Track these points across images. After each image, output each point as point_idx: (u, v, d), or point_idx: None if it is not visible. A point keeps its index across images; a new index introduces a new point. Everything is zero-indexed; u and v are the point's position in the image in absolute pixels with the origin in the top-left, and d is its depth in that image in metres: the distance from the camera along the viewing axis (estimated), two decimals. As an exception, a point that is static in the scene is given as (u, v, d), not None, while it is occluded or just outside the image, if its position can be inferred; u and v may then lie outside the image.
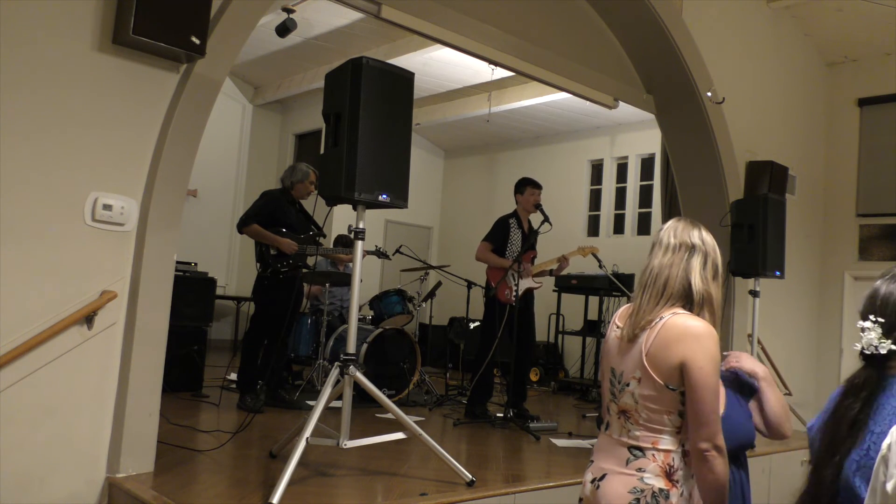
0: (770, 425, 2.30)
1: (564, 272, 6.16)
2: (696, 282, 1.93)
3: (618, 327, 2.01)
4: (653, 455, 1.88)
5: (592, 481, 1.96)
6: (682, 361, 1.83)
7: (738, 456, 2.40)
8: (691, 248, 1.96)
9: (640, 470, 1.88)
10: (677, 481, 1.87)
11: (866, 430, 1.59)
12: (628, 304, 2.04)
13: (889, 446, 1.35)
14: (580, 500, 2.04)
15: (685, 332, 1.86)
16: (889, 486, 1.31)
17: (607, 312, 7.84)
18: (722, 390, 2.46)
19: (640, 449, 1.90)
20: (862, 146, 7.44)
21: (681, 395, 1.86)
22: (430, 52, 7.32)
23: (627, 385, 1.92)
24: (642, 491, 1.85)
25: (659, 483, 1.86)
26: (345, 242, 6.96)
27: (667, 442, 1.89)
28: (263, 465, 3.52)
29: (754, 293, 5.54)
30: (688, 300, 1.93)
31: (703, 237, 1.99)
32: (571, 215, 9.55)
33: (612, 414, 1.98)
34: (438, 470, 3.43)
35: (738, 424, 2.39)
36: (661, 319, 1.89)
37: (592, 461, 2.03)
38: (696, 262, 1.95)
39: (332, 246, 6.68)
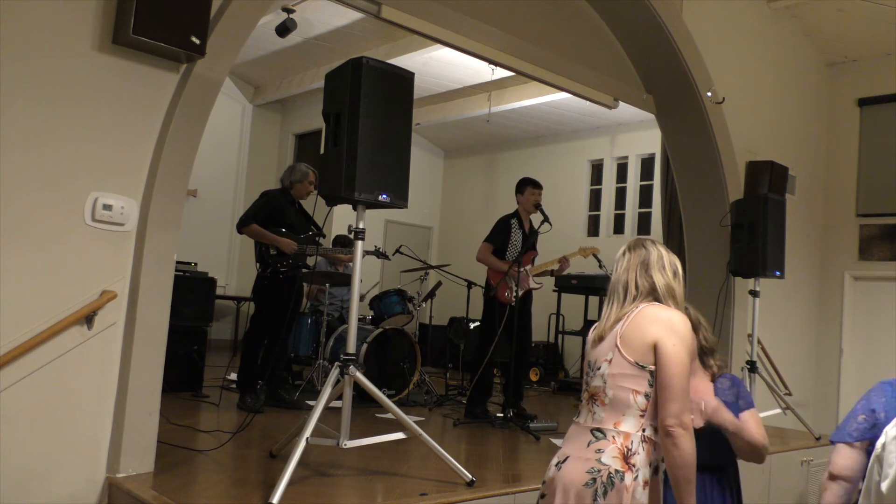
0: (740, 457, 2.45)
1: (565, 272, 6.17)
2: (658, 278, 2.08)
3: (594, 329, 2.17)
4: (613, 437, 1.96)
5: (557, 464, 2.06)
6: (654, 340, 1.96)
7: (723, 469, 2.41)
8: (645, 254, 2.13)
9: (598, 451, 1.96)
10: (634, 465, 1.93)
11: None
12: None
13: (883, 446, 1.35)
14: (543, 482, 2.13)
15: (661, 316, 2.00)
16: (884, 486, 1.32)
17: (607, 312, 7.82)
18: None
19: (602, 431, 1.98)
20: (862, 146, 7.44)
21: (650, 374, 1.96)
22: (430, 52, 7.32)
23: (598, 368, 2.04)
24: (599, 471, 1.93)
25: (616, 465, 1.93)
26: (343, 243, 6.96)
27: (629, 424, 1.96)
28: (263, 465, 3.52)
29: (754, 293, 5.54)
30: (654, 296, 2.07)
31: (655, 244, 2.16)
32: (571, 215, 9.55)
33: (583, 401, 2.11)
34: (438, 470, 3.43)
35: (722, 437, 2.39)
36: (636, 309, 2.04)
37: (560, 447, 2.13)
38: (653, 261, 2.11)
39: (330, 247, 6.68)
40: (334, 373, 3.25)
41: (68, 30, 2.97)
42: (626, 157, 9.38)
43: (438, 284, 7.21)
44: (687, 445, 1.90)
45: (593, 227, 9.63)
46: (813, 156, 7.41)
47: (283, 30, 4.61)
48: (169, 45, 3.06)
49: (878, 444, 1.39)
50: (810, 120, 7.40)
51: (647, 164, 9.17)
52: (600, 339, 2.07)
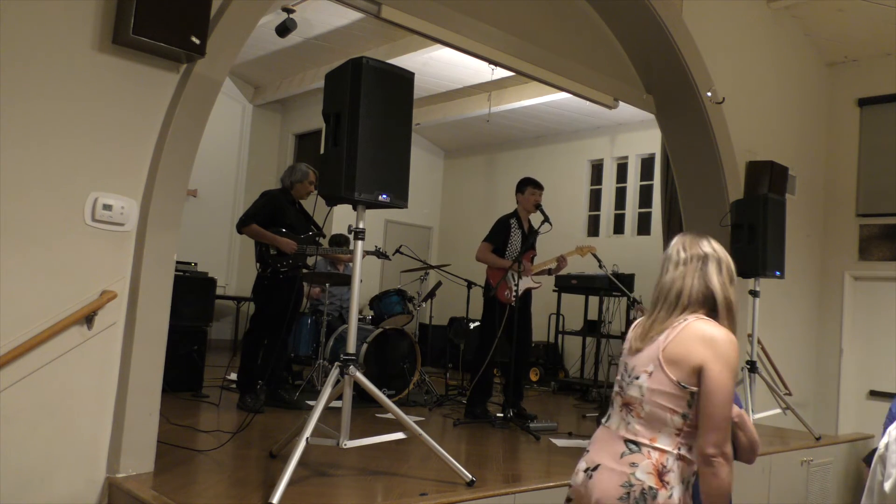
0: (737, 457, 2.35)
1: (564, 272, 6.16)
2: (717, 287, 1.98)
3: (635, 329, 2.06)
4: (648, 452, 1.90)
5: (585, 471, 1.99)
6: (701, 364, 1.87)
7: None
8: (704, 258, 2.01)
9: (632, 465, 1.90)
10: (668, 482, 1.88)
11: None
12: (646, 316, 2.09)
13: (886, 445, 1.35)
14: (569, 486, 2.06)
15: (708, 336, 1.90)
16: (887, 486, 1.32)
17: (607, 312, 7.85)
18: None
19: (637, 444, 1.92)
20: (862, 146, 7.44)
21: (690, 395, 1.88)
22: (430, 52, 7.32)
23: (637, 378, 1.96)
24: (632, 486, 1.88)
25: (649, 481, 1.87)
26: (339, 242, 6.96)
27: (664, 441, 1.90)
28: (263, 465, 3.52)
29: (754, 293, 5.54)
30: (710, 307, 1.97)
31: (713, 245, 2.04)
32: (571, 215, 9.55)
33: (615, 407, 2.02)
34: (438, 470, 3.43)
35: None
36: (684, 321, 1.94)
37: (587, 451, 2.05)
38: (712, 268, 2.00)
39: (327, 246, 6.67)
40: (334, 373, 3.25)
41: (68, 30, 2.97)
42: (626, 157, 9.37)
43: (438, 284, 7.20)
44: (726, 475, 1.85)
45: (593, 227, 9.63)
46: (813, 156, 7.41)
47: (283, 30, 4.61)
48: (169, 45, 3.06)
49: (882, 444, 1.39)
50: (810, 120, 7.40)
51: (647, 164, 9.17)
52: (641, 345, 1.98)
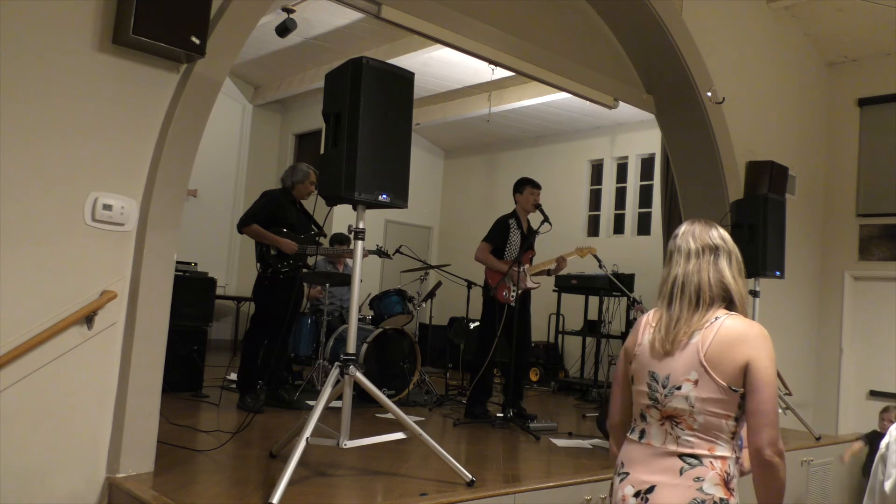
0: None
1: (564, 272, 6.15)
2: (731, 282, 1.91)
3: (653, 328, 1.94)
4: (710, 462, 1.82)
5: (636, 495, 1.86)
6: (746, 362, 1.80)
7: None
8: (715, 249, 1.93)
9: (697, 479, 1.80)
10: (733, 490, 1.82)
11: None
12: (658, 309, 1.98)
13: (887, 445, 1.35)
14: None
15: (747, 333, 1.83)
16: (887, 486, 1.32)
17: (607, 312, 7.85)
18: None
19: (696, 457, 1.82)
20: (862, 146, 7.44)
21: (741, 397, 1.82)
22: (430, 52, 7.32)
23: (678, 388, 1.84)
24: (703, 502, 1.79)
25: (719, 493, 1.80)
26: (340, 240, 6.96)
27: (723, 448, 1.83)
28: (263, 465, 3.52)
29: (754, 293, 5.53)
30: (728, 301, 1.91)
31: (722, 236, 1.97)
32: (571, 215, 9.55)
33: (652, 421, 1.90)
34: (438, 470, 3.43)
35: None
36: (716, 319, 1.86)
37: (627, 473, 1.91)
38: (724, 262, 1.92)
39: (328, 245, 6.67)
40: (334, 373, 3.24)
41: (68, 29, 2.97)
42: (626, 157, 9.38)
43: (438, 284, 7.21)
44: (784, 473, 1.80)
45: (593, 227, 9.64)
46: (813, 156, 7.42)
47: (283, 30, 4.61)
48: (169, 45, 3.06)
49: (883, 444, 1.39)
50: (810, 120, 7.40)
51: (647, 164, 9.17)
52: (670, 348, 1.87)
